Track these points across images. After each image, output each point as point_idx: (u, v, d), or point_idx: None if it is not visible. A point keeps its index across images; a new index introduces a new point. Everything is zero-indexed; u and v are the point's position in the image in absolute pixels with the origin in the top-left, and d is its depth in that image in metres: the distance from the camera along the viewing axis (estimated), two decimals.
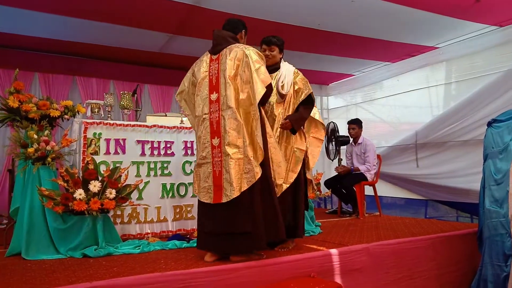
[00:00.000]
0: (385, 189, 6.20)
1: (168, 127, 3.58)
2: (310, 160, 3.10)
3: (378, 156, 5.15)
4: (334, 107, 7.81)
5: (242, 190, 2.35)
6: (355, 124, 5.13)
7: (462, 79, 5.42)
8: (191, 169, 3.61)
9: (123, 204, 2.97)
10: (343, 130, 5.55)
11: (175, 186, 3.56)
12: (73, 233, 2.76)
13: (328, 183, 5.11)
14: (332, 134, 5.40)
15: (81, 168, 3.04)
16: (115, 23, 4.65)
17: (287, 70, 2.97)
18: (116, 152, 3.34)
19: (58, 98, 5.44)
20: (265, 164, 2.45)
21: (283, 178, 2.76)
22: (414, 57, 6.02)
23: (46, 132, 2.93)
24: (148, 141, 3.48)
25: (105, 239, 2.82)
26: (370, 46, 5.57)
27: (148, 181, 3.43)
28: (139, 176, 3.37)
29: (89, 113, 3.57)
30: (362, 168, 4.91)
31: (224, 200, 2.38)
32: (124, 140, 3.38)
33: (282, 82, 2.92)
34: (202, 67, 2.64)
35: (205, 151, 2.53)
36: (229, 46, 2.55)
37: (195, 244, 2.70)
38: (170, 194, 3.53)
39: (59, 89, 5.72)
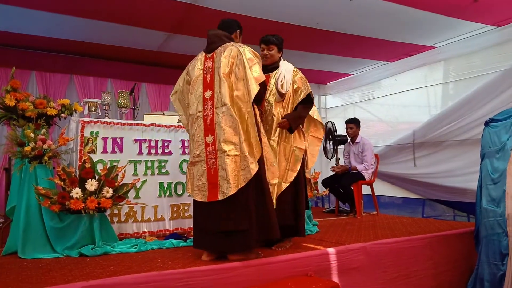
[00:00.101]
0: (382, 188, 6.21)
1: (165, 126, 3.57)
2: (309, 159, 3.10)
3: (376, 155, 5.15)
4: (332, 106, 7.82)
5: (240, 187, 2.35)
6: (353, 124, 5.13)
7: (459, 78, 5.44)
8: None
9: (120, 203, 2.97)
10: (341, 129, 5.55)
11: (173, 185, 3.56)
12: (69, 232, 2.76)
13: (325, 182, 5.12)
14: (329, 133, 5.40)
15: (78, 167, 3.03)
16: (112, 21, 4.64)
17: (286, 69, 2.97)
18: (113, 151, 3.33)
19: (55, 96, 5.42)
20: (260, 163, 2.44)
21: (277, 178, 2.75)
22: (412, 57, 6.03)
23: (43, 130, 2.92)
24: (145, 140, 3.48)
25: (102, 238, 2.81)
26: (368, 46, 5.58)
27: (145, 180, 3.43)
28: (136, 175, 3.37)
29: (86, 112, 3.56)
30: (359, 167, 4.92)
31: (221, 197, 2.37)
32: (121, 139, 3.37)
33: (282, 81, 2.91)
34: (197, 65, 2.65)
35: (199, 149, 2.52)
36: (224, 45, 2.56)
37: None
38: (167, 193, 3.53)
39: (56, 87, 5.70)
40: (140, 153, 3.45)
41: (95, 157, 3.16)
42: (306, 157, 3.04)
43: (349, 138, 5.24)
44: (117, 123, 3.38)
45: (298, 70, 3.00)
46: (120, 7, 4.30)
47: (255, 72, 2.43)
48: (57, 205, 2.69)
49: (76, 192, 2.73)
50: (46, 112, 2.95)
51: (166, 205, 3.52)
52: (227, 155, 2.38)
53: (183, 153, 3.64)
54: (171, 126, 3.61)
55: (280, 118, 2.89)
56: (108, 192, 2.83)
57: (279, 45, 3.01)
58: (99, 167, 3.12)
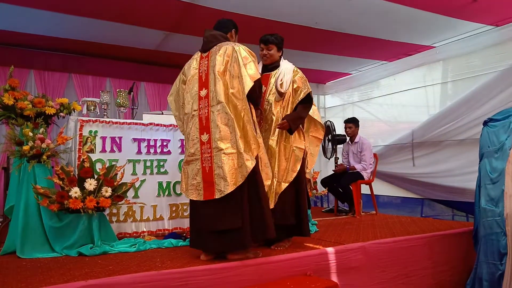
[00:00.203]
0: (381, 188, 6.22)
1: (164, 125, 3.57)
2: (309, 159, 3.09)
3: (375, 155, 5.16)
4: (331, 106, 7.83)
5: (238, 185, 2.34)
6: (352, 123, 5.13)
7: (458, 78, 5.45)
8: None
9: (119, 203, 2.96)
10: (339, 129, 5.55)
11: (171, 185, 3.55)
12: (68, 232, 2.75)
13: (324, 182, 5.12)
14: (328, 132, 5.40)
15: (76, 166, 3.02)
16: (111, 20, 4.64)
17: (286, 69, 2.96)
18: (112, 150, 3.32)
19: (53, 95, 5.40)
20: (256, 161, 2.44)
21: (270, 179, 2.72)
22: (411, 56, 6.03)
23: (42, 129, 2.91)
24: (144, 139, 3.47)
25: (100, 238, 2.81)
26: (367, 45, 5.58)
27: (144, 180, 3.42)
28: (135, 174, 3.36)
29: (85, 111, 3.56)
30: (358, 167, 4.92)
31: (217, 196, 2.36)
32: (120, 138, 3.37)
33: (281, 80, 2.90)
34: (192, 64, 2.65)
35: (194, 148, 2.51)
36: (219, 44, 2.57)
37: None
38: (166, 193, 3.52)
39: (55, 86, 5.69)
40: (139, 152, 3.44)
41: (93, 156, 3.16)
42: (306, 157, 3.03)
43: (348, 138, 5.24)
44: (116, 122, 3.37)
45: (298, 70, 2.99)
46: (118, 6, 4.29)
47: (250, 69, 2.43)
48: (56, 205, 2.68)
49: (75, 192, 2.73)
50: (45, 111, 2.94)
51: (165, 204, 3.51)
52: (223, 153, 2.37)
53: (182, 152, 3.63)
54: (170, 125, 3.60)
55: (279, 118, 2.87)
56: (107, 191, 2.82)
57: (279, 44, 2.99)
58: (98, 166, 3.11)
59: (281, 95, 2.90)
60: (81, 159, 2.97)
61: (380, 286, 2.84)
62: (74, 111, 3.20)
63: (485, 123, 3.22)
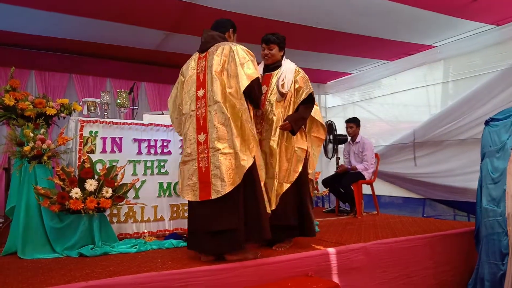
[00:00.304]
0: (382, 188, 6.21)
1: (165, 126, 3.56)
2: (312, 160, 3.08)
3: (376, 155, 5.15)
4: (332, 106, 7.82)
5: (235, 185, 2.32)
6: (353, 123, 5.13)
7: (459, 78, 5.44)
8: None
9: (120, 203, 2.96)
10: (341, 129, 5.55)
11: (172, 185, 3.55)
12: (69, 232, 2.75)
13: (325, 182, 5.11)
14: (330, 132, 5.39)
15: (77, 167, 3.02)
16: (111, 20, 4.64)
17: (288, 68, 2.94)
18: (112, 151, 3.32)
19: (54, 96, 5.41)
20: (253, 163, 2.42)
21: (262, 181, 2.70)
22: (412, 56, 6.03)
23: (42, 130, 2.91)
24: (144, 140, 3.47)
25: (101, 238, 2.80)
26: (368, 45, 5.58)
27: (145, 180, 3.42)
28: (136, 175, 3.36)
29: (85, 111, 3.56)
30: (359, 167, 4.91)
31: (214, 196, 2.34)
32: (120, 138, 3.36)
33: (283, 80, 2.89)
34: (190, 65, 2.65)
35: (191, 148, 2.51)
36: (217, 44, 2.56)
37: None
38: (167, 193, 3.52)
39: (55, 87, 5.70)
40: (140, 152, 3.44)
41: (94, 157, 3.15)
42: (309, 157, 3.02)
43: (349, 138, 5.23)
44: (116, 123, 3.37)
45: (300, 70, 2.97)
46: (119, 6, 4.29)
47: (248, 69, 2.42)
48: (56, 205, 2.68)
49: (76, 192, 2.73)
50: (45, 111, 2.94)
51: (165, 205, 3.51)
52: (221, 153, 2.36)
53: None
54: (171, 125, 3.59)
55: (281, 118, 2.86)
56: (107, 192, 2.82)
57: (280, 44, 2.98)
58: (99, 167, 3.11)
59: (282, 95, 2.89)
60: (82, 160, 2.96)
61: (382, 287, 2.83)
62: (75, 112, 3.20)
63: (487, 123, 3.20)
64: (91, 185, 2.78)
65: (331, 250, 2.68)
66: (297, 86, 2.92)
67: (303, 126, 2.95)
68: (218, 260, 2.42)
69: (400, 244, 3.01)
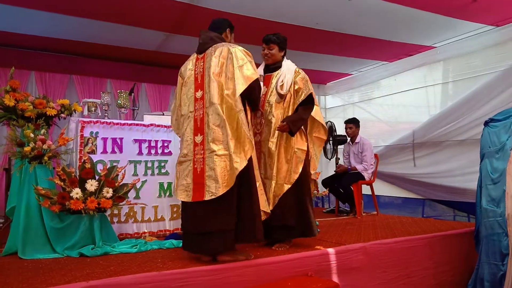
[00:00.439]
0: (382, 188, 6.21)
1: (165, 126, 3.57)
2: (313, 160, 3.08)
3: (376, 155, 5.16)
4: (332, 107, 7.82)
5: (230, 187, 2.31)
6: (353, 124, 5.14)
7: (459, 78, 5.45)
8: None
9: (120, 203, 2.97)
10: (340, 129, 5.55)
11: (173, 185, 3.55)
12: (70, 232, 2.75)
13: (325, 183, 5.12)
14: (329, 133, 5.40)
15: (78, 167, 3.02)
16: (112, 21, 4.64)
17: (288, 69, 2.94)
18: (113, 151, 3.33)
19: (54, 96, 5.42)
20: (249, 163, 2.43)
21: (259, 181, 2.70)
22: (411, 57, 6.03)
23: (43, 131, 2.91)
24: (145, 140, 3.48)
25: (102, 238, 2.81)
26: (368, 46, 5.58)
27: (145, 180, 3.42)
28: (136, 175, 3.37)
29: (86, 112, 3.56)
30: (359, 167, 4.92)
31: (207, 197, 2.33)
32: (121, 139, 3.37)
33: (282, 81, 2.89)
34: (188, 66, 2.65)
35: (187, 149, 2.51)
36: (215, 45, 2.56)
37: None
38: (167, 193, 3.52)
39: (56, 87, 5.70)
40: (140, 153, 3.44)
41: (95, 157, 3.16)
42: (310, 158, 3.02)
43: (348, 138, 5.24)
44: (117, 123, 3.38)
45: (300, 71, 2.97)
46: (119, 7, 4.30)
47: (247, 70, 2.42)
48: (57, 206, 2.68)
49: (76, 193, 2.73)
50: (46, 112, 2.95)
51: (166, 205, 3.51)
52: (216, 154, 2.36)
53: None
54: (171, 126, 3.60)
55: (280, 119, 2.85)
56: (108, 192, 2.82)
57: (280, 44, 2.98)
58: (99, 167, 3.12)
59: (281, 96, 2.89)
60: (82, 160, 2.97)
61: (381, 287, 2.84)
62: (75, 112, 3.20)
63: (486, 124, 3.21)
64: (91, 185, 2.78)
65: (331, 250, 2.68)
66: (296, 87, 2.91)
67: (302, 127, 2.93)
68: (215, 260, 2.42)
69: (399, 244, 3.02)
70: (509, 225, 2.78)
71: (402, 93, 6.24)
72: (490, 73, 4.97)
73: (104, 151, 3.29)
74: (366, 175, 4.90)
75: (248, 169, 2.41)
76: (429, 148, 5.68)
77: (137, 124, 3.48)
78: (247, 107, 2.59)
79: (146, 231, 3.37)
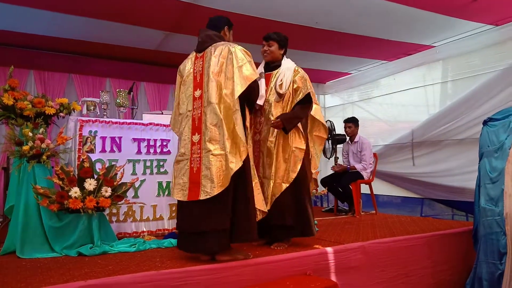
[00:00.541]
0: (381, 188, 6.22)
1: (164, 125, 3.57)
2: (314, 160, 3.07)
3: (375, 154, 5.16)
4: (331, 106, 7.83)
5: (225, 187, 2.31)
6: (352, 123, 5.14)
7: (458, 78, 5.45)
8: None
9: (119, 203, 2.96)
10: (339, 129, 5.55)
11: (170, 185, 3.55)
12: (68, 232, 2.75)
13: (324, 182, 5.12)
14: (328, 132, 5.40)
15: (76, 166, 3.02)
16: (111, 20, 4.64)
17: (287, 68, 2.93)
18: (112, 150, 3.32)
19: (53, 95, 5.41)
20: (246, 163, 2.42)
21: (255, 179, 2.69)
22: (410, 56, 6.03)
23: (41, 130, 2.91)
24: (144, 139, 3.47)
25: (100, 238, 2.80)
26: (367, 45, 5.58)
27: (144, 179, 3.42)
28: (135, 174, 3.36)
29: (84, 111, 3.56)
30: (358, 166, 4.92)
31: (202, 197, 2.32)
32: (120, 138, 3.37)
33: (281, 80, 2.89)
34: (187, 64, 2.64)
35: (185, 148, 2.51)
36: (215, 44, 2.55)
37: None
38: (166, 192, 3.52)
39: (55, 86, 5.69)
40: (139, 152, 3.44)
41: (93, 156, 3.16)
42: (311, 157, 3.01)
43: (347, 137, 5.24)
44: (116, 122, 3.37)
45: (300, 69, 2.96)
46: (119, 6, 4.29)
47: (246, 70, 2.42)
48: (55, 205, 2.68)
49: (75, 192, 2.73)
50: (45, 111, 2.94)
51: (165, 204, 3.51)
52: (212, 154, 2.35)
53: None
54: (170, 125, 3.60)
55: None
56: (106, 191, 2.82)
57: (280, 42, 2.97)
58: (98, 166, 3.11)
59: (280, 95, 2.88)
60: (81, 159, 2.97)
61: (380, 286, 2.84)
62: (74, 111, 3.20)
63: (485, 123, 3.21)
64: (90, 184, 2.78)
65: (330, 249, 2.68)
66: (295, 86, 2.90)
67: (300, 126, 2.91)
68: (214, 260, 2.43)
69: (398, 244, 3.02)
70: (507, 224, 2.78)
71: (401, 92, 6.25)
72: (489, 72, 4.97)
73: (103, 150, 3.29)
74: (365, 174, 4.90)
75: (244, 168, 2.41)
76: (428, 147, 5.68)
77: (136, 123, 3.47)
78: (246, 108, 2.58)
79: (144, 230, 3.37)
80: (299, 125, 2.92)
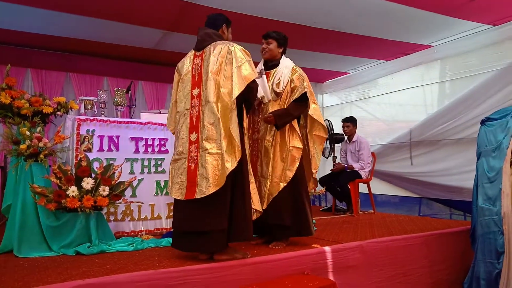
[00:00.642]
0: (379, 187, 6.22)
1: (162, 124, 3.56)
2: (315, 159, 3.08)
3: (373, 154, 5.17)
4: (329, 105, 7.83)
5: (220, 186, 2.30)
6: (350, 122, 5.14)
7: (456, 77, 5.45)
8: None
9: (117, 202, 2.96)
10: (337, 128, 5.56)
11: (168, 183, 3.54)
12: (66, 231, 2.74)
13: (322, 181, 5.12)
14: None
15: (74, 165, 3.02)
16: (109, 19, 4.62)
17: (285, 67, 2.93)
18: (109, 149, 3.32)
19: (51, 94, 5.38)
20: (242, 163, 2.42)
21: (252, 178, 2.69)
22: (408, 56, 6.04)
23: (39, 128, 2.90)
24: (142, 138, 3.47)
25: (98, 237, 2.80)
26: (365, 44, 5.58)
27: (142, 179, 3.41)
28: (133, 173, 3.36)
29: (82, 110, 3.54)
30: (356, 166, 4.93)
31: (198, 196, 2.31)
32: (117, 137, 3.36)
33: (278, 79, 2.89)
34: (186, 63, 2.63)
35: (182, 146, 2.50)
36: (214, 43, 2.54)
37: None
38: (164, 192, 3.51)
39: (52, 85, 5.67)
40: (137, 151, 3.43)
41: (91, 155, 3.15)
42: (311, 157, 3.01)
43: (346, 137, 5.25)
44: (114, 121, 3.36)
45: (298, 68, 2.96)
46: (116, 4, 4.28)
47: (245, 70, 2.41)
48: (53, 204, 2.67)
49: (72, 191, 2.72)
50: (42, 110, 2.93)
51: (163, 203, 3.51)
52: (208, 153, 2.34)
53: None
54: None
55: None
56: (104, 190, 2.81)
57: (279, 40, 2.97)
58: (96, 165, 3.11)
59: (277, 94, 2.89)
60: (79, 158, 2.96)
61: (378, 285, 2.85)
62: (72, 110, 3.19)
63: (483, 122, 3.22)
64: (88, 183, 2.77)
65: (328, 248, 2.69)
66: (292, 85, 2.90)
67: (296, 126, 2.91)
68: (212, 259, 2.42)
69: (396, 243, 3.03)
70: (505, 223, 2.79)
71: (399, 92, 6.25)
72: (487, 72, 4.98)
73: (101, 149, 3.28)
74: (363, 174, 4.91)
75: (241, 167, 2.41)
76: (426, 146, 5.69)
77: (134, 122, 3.47)
78: (244, 108, 2.58)
79: (142, 229, 3.36)
80: (295, 124, 2.91)
